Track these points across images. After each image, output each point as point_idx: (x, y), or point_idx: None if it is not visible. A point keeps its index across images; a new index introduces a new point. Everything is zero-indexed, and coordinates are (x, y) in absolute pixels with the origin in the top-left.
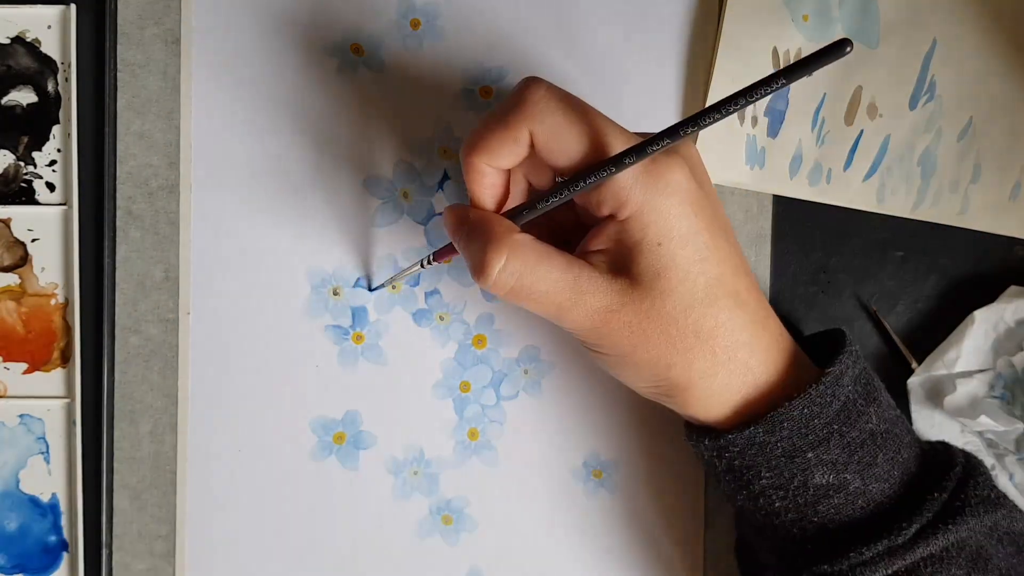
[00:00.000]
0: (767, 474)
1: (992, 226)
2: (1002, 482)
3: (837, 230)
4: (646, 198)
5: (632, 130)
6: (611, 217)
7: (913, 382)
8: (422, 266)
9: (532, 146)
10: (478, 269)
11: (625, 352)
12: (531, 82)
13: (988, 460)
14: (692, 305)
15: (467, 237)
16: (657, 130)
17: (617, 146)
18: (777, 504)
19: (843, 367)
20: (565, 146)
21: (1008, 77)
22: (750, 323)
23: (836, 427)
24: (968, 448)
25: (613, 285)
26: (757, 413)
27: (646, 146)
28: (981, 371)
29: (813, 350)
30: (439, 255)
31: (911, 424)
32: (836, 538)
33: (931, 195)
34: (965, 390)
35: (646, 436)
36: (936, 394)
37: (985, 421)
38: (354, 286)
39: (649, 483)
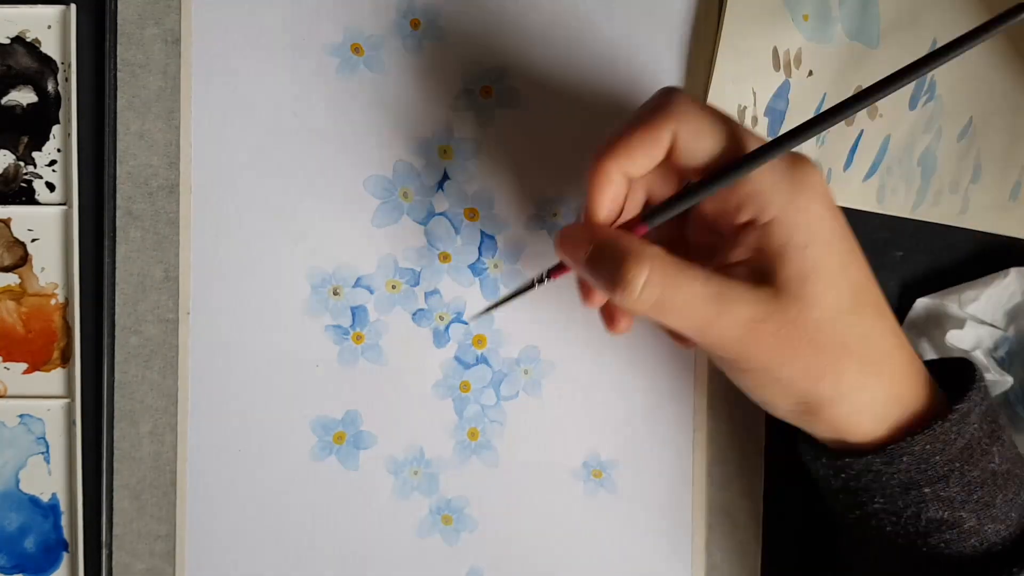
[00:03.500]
0: (880, 500)
1: (992, 226)
2: None
3: None
4: (790, 199)
5: None
6: (750, 225)
7: (921, 303)
8: (534, 286)
9: (669, 152)
10: (618, 285)
11: (771, 366)
12: (672, 88)
13: None
14: (840, 313)
15: (595, 256)
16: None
17: (756, 145)
18: (888, 529)
19: (972, 404)
20: (707, 146)
21: (1008, 77)
22: (891, 333)
23: (958, 465)
24: None
25: (757, 294)
26: (887, 434)
27: (796, 133)
28: (992, 326)
29: (937, 376)
30: (555, 272)
31: None
32: (944, 572)
33: (931, 195)
34: (973, 332)
35: (646, 436)
36: (936, 324)
37: (978, 357)
38: (353, 286)
39: (649, 483)
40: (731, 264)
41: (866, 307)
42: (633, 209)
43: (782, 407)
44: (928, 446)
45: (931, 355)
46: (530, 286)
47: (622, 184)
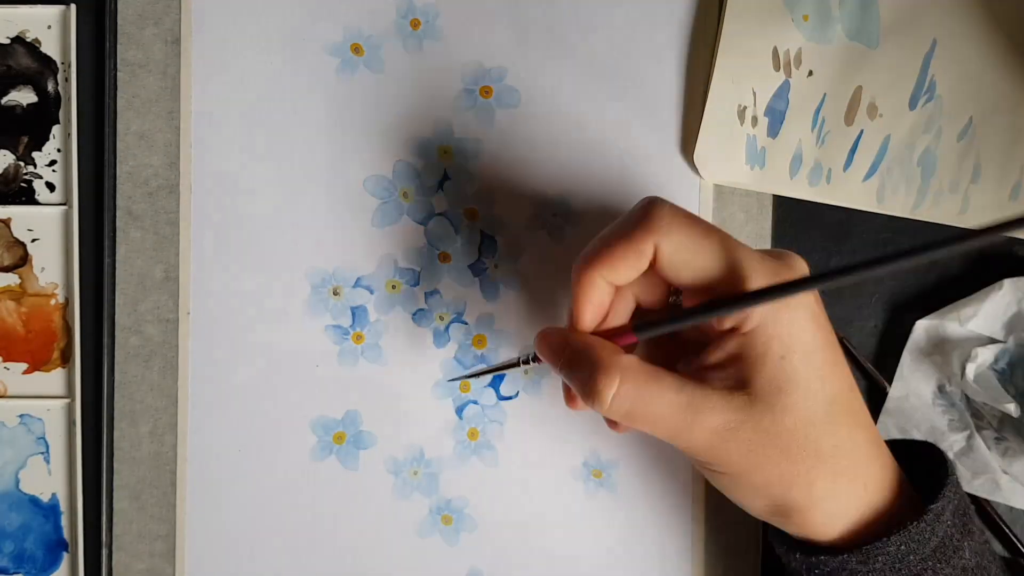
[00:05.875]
0: None
1: None
2: (981, 451)
3: (837, 230)
4: (772, 310)
5: (632, 131)
6: (732, 330)
7: (920, 324)
8: (519, 364)
9: (653, 262)
10: (590, 396)
11: (743, 471)
12: (655, 200)
13: (962, 428)
14: (813, 422)
15: (570, 363)
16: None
17: (751, 268)
18: None
19: (945, 502)
20: (693, 261)
21: (1008, 77)
22: (866, 443)
23: (931, 564)
24: (937, 409)
25: (731, 402)
26: (856, 537)
27: (788, 288)
28: (991, 340)
29: (905, 458)
30: (540, 359)
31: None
32: None
33: (931, 195)
34: (971, 349)
35: (646, 436)
36: (937, 344)
37: (975, 388)
38: (353, 286)
39: (649, 483)
40: (709, 366)
41: (841, 417)
42: (622, 311)
43: (755, 509)
44: (903, 546)
45: (929, 375)
46: (515, 364)
47: (607, 291)
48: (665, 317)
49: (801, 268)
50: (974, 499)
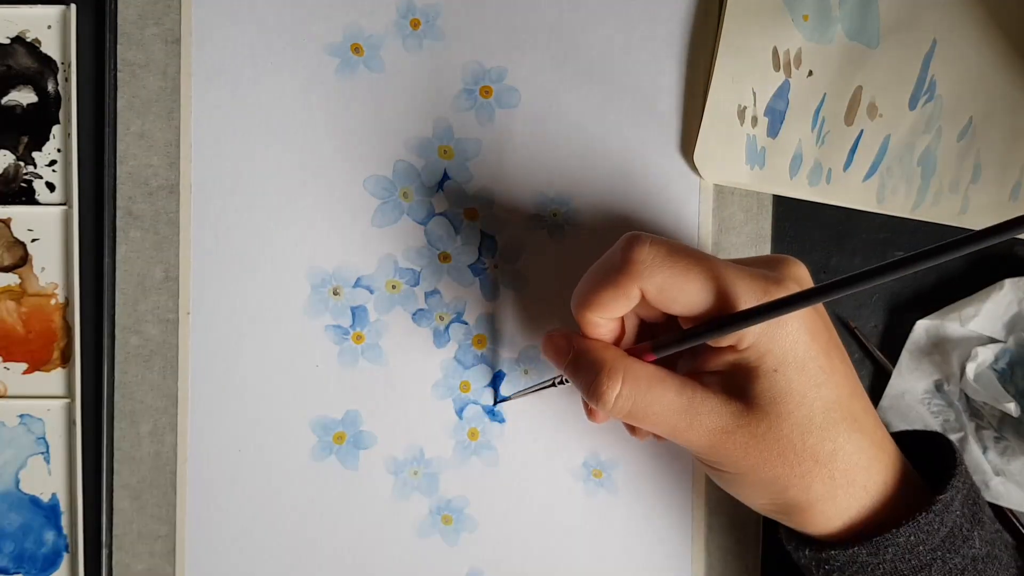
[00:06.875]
0: None
1: None
2: (974, 453)
3: (837, 230)
4: (763, 328)
5: (632, 131)
6: (730, 346)
7: (921, 324)
8: (554, 384)
9: (643, 296)
10: (594, 395)
11: (741, 471)
12: (634, 240)
13: (957, 429)
14: (810, 430)
15: (575, 365)
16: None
17: (740, 290)
18: None
19: (954, 492)
20: (681, 297)
21: (1008, 77)
22: (868, 446)
23: (940, 554)
24: (933, 410)
25: (728, 407)
26: (864, 531)
27: (782, 305)
28: (992, 340)
29: (913, 448)
30: None
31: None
32: None
33: (931, 195)
34: (972, 349)
35: None
36: (937, 343)
37: (975, 387)
38: (353, 286)
39: (649, 483)
40: (709, 372)
41: (839, 423)
42: (630, 329)
43: (757, 506)
44: (912, 536)
45: (929, 375)
46: (551, 384)
47: (609, 321)
48: (677, 336)
49: (797, 275)
50: None
